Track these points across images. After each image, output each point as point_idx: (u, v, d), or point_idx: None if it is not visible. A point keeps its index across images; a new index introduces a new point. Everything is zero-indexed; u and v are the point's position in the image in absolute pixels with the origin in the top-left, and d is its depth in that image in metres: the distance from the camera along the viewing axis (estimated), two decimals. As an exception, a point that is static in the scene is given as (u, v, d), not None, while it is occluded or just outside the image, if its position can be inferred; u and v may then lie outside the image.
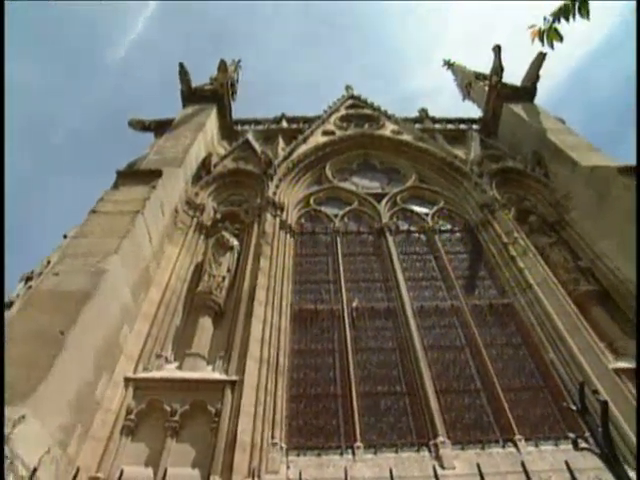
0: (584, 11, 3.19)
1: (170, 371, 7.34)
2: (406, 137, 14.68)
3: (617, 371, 7.22)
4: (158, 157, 11.12)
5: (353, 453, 6.48)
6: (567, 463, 4.43)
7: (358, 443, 6.60)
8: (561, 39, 3.41)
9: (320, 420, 7.05)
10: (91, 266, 6.80)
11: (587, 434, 4.21)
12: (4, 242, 6.43)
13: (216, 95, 14.90)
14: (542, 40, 3.42)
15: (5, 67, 7.15)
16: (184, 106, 14.55)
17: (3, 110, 7.14)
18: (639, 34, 4.18)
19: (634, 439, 6.28)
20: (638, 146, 7.67)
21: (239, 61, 17.56)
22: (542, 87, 15.61)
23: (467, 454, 6.47)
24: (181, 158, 11.14)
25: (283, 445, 6.49)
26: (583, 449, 3.95)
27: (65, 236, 8.85)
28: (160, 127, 13.92)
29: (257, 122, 16.19)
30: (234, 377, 7.07)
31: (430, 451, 6.53)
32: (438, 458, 6.36)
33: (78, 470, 5.15)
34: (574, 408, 4.06)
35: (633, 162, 9.72)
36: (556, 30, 3.36)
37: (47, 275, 6.79)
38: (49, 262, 8.19)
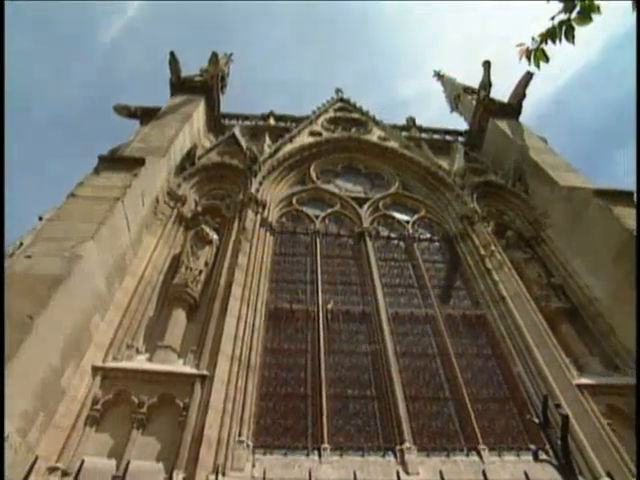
0: (570, 36, 3.30)
1: (140, 362, 7.24)
2: (392, 144, 14.82)
3: (580, 387, 7.43)
4: (142, 145, 10.97)
5: (319, 454, 6.51)
6: (526, 474, 4.56)
7: (325, 445, 6.62)
8: (547, 60, 3.52)
9: (288, 420, 7.06)
10: (66, 251, 6.66)
11: (547, 446, 4.33)
12: (4, 237, 6.29)
13: (205, 87, 14.77)
14: (529, 59, 3.53)
15: (5, 68, 6.99)
16: (172, 95, 14.38)
17: (3, 109, 6.97)
18: (639, 38, 4.27)
19: (591, 453, 6.49)
20: (638, 167, 7.83)
21: (231, 55, 17.48)
22: (528, 103, 15.97)
23: (432, 461, 6.56)
24: (165, 148, 11.01)
25: (250, 443, 6.47)
26: (542, 461, 4.07)
27: (40, 218, 8.64)
28: (146, 114, 13.71)
29: (245, 117, 16.13)
30: (204, 372, 7.02)
31: (396, 456, 6.60)
32: (403, 463, 6.44)
33: (36, 459, 5.05)
34: (536, 421, 4.17)
35: (610, 184, 10.08)
36: (543, 51, 3.47)
37: (19, 257, 6.63)
38: (22, 244, 8.00)
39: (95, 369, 6.81)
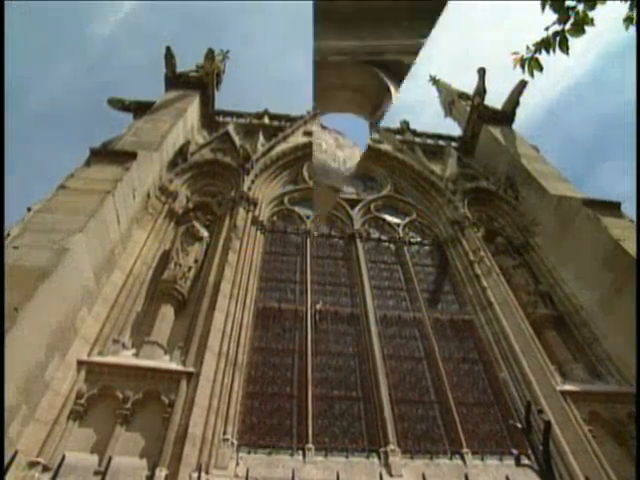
0: (564, 46, 3.36)
1: (126, 357, 7.20)
2: (386, 147, 14.87)
3: (563, 393, 7.52)
4: (135, 139, 10.89)
5: (304, 454, 6.52)
6: (508, 478, 4.60)
7: (309, 445, 6.63)
8: (541, 69, 3.56)
9: (274, 419, 7.05)
10: (54, 243, 6.60)
11: (529, 451, 4.37)
12: (4, 232, 6.22)
13: (200, 83, 14.71)
14: (523, 67, 3.57)
15: (5, 67, 6.92)
16: (167, 90, 14.29)
17: (3, 110, 6.88)
18: (639, 45, 4.32)
19: (572, 458, 6.57)
20: (638, 176, 7.92)
21: (227, 52, 17.38)
22: (521, 113, 16.13)
23: (415, 463, 6.60)
24: (158, 142, 10.95)
25: (234, 441, 6.46)
26: (524, 465, 4.11)
27: (29, 209, 8.52)
28: (140, 109, 13.61)
29: (239, 115, 16.06)
30: (191, 369, 6.99)
31: (380, 458, 6.63)
32: (387, 465, 6.47)
33: (16, 453, 4.98)
34: (519, 426, 4.21)
35: (598, 195, 10.22)
36: (537, 60, 3.52)
37: (6, 248, 6.54)
38: (9, 234, 7.88)
39: (80, 363, 6.75)
